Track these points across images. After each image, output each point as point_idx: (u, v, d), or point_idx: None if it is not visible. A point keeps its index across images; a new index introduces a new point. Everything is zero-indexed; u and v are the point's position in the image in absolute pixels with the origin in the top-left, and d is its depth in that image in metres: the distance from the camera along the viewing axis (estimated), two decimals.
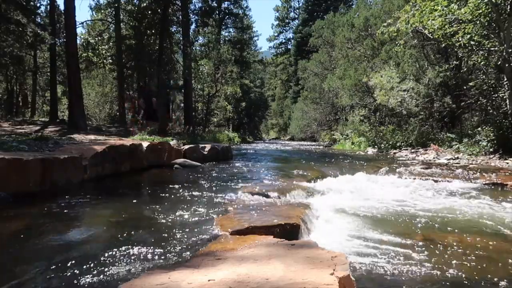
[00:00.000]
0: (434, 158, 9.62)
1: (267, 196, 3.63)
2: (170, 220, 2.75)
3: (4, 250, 2.09)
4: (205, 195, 3.76)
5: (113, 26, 17.07)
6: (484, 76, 11.27)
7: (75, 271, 1.80)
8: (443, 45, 10.82)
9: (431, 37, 10.37)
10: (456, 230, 2.89)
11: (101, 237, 2.34)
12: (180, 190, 4.02)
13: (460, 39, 9.19)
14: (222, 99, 24.61)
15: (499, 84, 10.42)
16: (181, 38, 17.80)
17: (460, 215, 3.43)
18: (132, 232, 2.45)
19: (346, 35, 20.92)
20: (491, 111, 10.83)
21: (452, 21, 9.13)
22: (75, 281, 1.69)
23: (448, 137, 11.80)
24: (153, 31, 17.34)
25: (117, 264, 1.89)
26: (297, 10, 51.43)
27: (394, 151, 12.57)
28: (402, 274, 1.98)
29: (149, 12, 16.72)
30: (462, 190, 4.80)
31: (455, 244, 2.56)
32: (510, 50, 8.36)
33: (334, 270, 1.38)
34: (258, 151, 13.27)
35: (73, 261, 1.92)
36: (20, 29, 11.91)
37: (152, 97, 10.68)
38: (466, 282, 1.90)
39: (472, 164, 8.11)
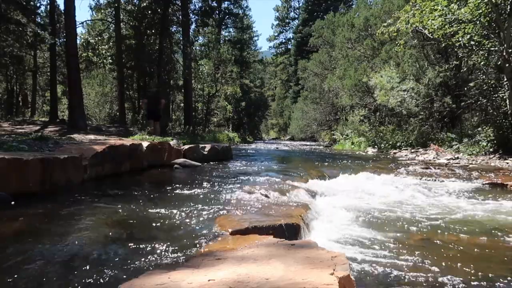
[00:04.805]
0: (434, 158, 9.62)
1: (267, 196, 3.63)
2: (170, 220, 2.75)
3: (4, 250, 2.09)
4: (205, 195, 3.76)
5: (113, 26, 17.06)
6: (484, 76, 11.26)
7: (75, 271, 1.80)
8: (443, 45, 10.81)
9: (431, 37, 10.36)
10: (455, 230, 2.89)
11: (101, 237, 2.34)
12: (180, 190, 4.02)
13: (460, 39, 9.19)
14: (222, 99, 24.61)
15: (499, 84, 10.42)
16: (181, 38, 17.81)
17: (459, 215, 3.43)
18: (132, 232, 2.45)
19: (346, 35, 20.91)
20: (491, 111, 10.83)
21: (452, 21, 9.12)
22: (75, 281, 1.69)
23: (448, 137, 11.80)
24: (153, 31, 17.35)
25: (116, 264, 1.89)
26: (297, 10, 51.44)
27: (394, 151, 12.56)
28: (402, 274, 1.98)
29: (149, 12, 16.73)
30: (462, 190, 4.80)
31: (454, 244, 2.56)
32: (510, 50, 8.36)
33: (334, 270, 1.38)
34: (258, 151, 13.27)
35: (73, 261, 1.92)
36: (20, 29, 11.91)
37: (159, 98, 10.69)
38: (466, 282, 1.90)
39: (472, 164, 8.11)
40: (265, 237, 2.10)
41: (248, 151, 13.13)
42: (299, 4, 51.26)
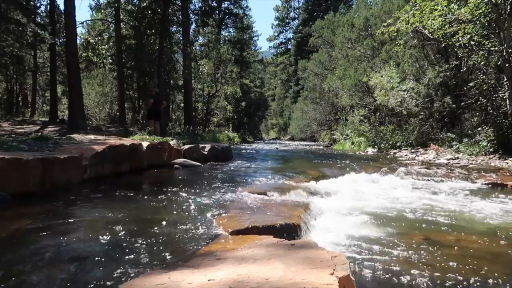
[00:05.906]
0: (434, 158, 9.62)
1: (267, 196, 3.63)
2: (170, 220, 2.75)
3: (4, 250, 2.09)
4: (205, 195, 3.76)
5: (113, 26, 17.07)
6: (484, 76, 11.27)
7: (75, 271, 1.80)
8: (443, 45, 10.82)
9: (431, 37, 10.36)
10: (455, 230, 2.89)
11: (100, 237, 2.34)
12: (180, 190, 4.02)
13: (460, 39, 9.19)
14: (222, 99, 24.62)
15: (499, 84, 10.42)
16: (181, 38, 17.81)
17: (459, 215, 3.44)
18: (132, 232, 2.45)
19: (346, 35, 20.90)
20: (491, 111, 10.83)
21: (452, 21, 9.12)
22: (75, 281, 1.69)
23: (448, 137, 11.80)
24: (153, 31, 17.34)
25: (117, 264, 1.89)
26: (297, 10, 51.40)
27: (394, 151, 12.57)
28: (401, 274, 1.98)
29: (149, 12, 16.73)
30: (462, 190, 4.80)
31: (454, 244, 2.56)
32: (510, 50, 8.36)
33: (334, 270, 1.38)
34: (258, 151, 13.27)
35: (73, 261, 1.92)
36: (20, 29, 11.91)
37: (161, 99, 10.72)
38: (466, 283, 1.90)
39: (472, 164, 8.11)
40: (265, 237, 2.10)
41: (248, 151, 13.14)
42: (299, 4, 51.24)
